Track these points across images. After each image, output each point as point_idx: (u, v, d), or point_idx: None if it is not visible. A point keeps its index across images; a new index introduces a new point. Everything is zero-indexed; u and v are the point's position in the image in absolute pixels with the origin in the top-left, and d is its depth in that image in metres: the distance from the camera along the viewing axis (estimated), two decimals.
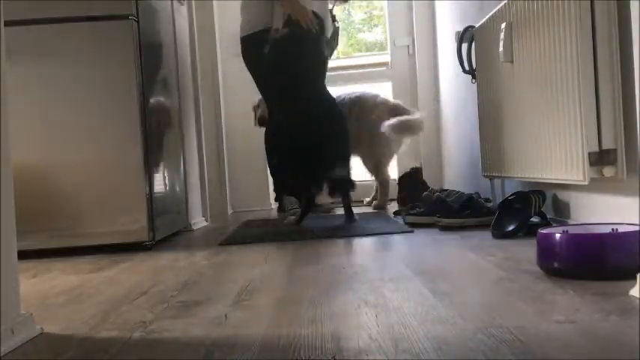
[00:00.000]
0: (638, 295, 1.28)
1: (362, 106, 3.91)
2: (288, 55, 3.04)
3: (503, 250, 2.04)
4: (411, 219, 2.91)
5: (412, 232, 2.67)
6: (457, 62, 3.27)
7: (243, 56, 3.21)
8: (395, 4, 4.75)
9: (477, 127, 3.08)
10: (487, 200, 2.96)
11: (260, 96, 3.55)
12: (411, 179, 3.89)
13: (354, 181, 3.19)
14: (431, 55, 4.66)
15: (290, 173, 3.19)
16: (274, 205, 3.96)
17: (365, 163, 3.93)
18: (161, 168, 2.89)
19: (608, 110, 1.87)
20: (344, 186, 3.11)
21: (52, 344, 1.26)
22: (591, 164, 1.91)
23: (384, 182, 3.97)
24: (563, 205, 2.38)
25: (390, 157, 4.03)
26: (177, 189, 3.20)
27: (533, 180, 2.44)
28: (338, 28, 3.40)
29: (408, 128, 3.81)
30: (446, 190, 3.18)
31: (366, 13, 5.26)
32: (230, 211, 4.39)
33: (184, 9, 3.64)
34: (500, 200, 2.61)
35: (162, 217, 2.84)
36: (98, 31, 2.62)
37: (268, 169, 3.77)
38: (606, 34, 1.86)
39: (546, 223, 2.34)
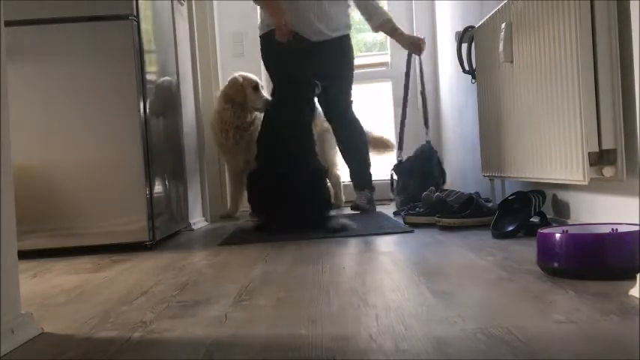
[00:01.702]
0: (638, 295, 1.28)
1: None
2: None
3: (503, 250, 2.04)
4: (411, 219, 2.91)
5: (412, 232, 2.67)
6: (457, 62, 3.27)
7: (261, 54, 3.58)
8: (395, 4, 4.74)
9: (477, 127, 3.08)
10: (487, 200, 2.96)
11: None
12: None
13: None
14: (431, 55, 4.66)
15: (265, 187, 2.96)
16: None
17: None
18: (161, 168, 2.89)
19: (608, 110, 1.87)
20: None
21: (52, 344, 1.25)
22: (591, 164, 1.91)
23: (338, 183, 4.29)
24: (563, 205, 2.38)
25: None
26: (177, 189, 3.20)
27: (533, 180, 2.44)
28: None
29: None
30: (446, 190, 3.18)
31: None
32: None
33: (184, 9, 3.64)
34: (500, 200, 2.61)
35: (162, 217, 2.84)
36: (98, 31, 2.62)
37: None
38: (606, 34, 1.86)
39: (546, 223, 2.34)
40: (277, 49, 3.33)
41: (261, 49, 3.55)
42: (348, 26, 3.61)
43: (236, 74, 3.87)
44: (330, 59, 3.51)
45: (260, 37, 3.52)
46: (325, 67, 3.43)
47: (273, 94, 3.35)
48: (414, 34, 3.93)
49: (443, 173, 3.63)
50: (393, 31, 3.65)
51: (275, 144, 3.02)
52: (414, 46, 3.67)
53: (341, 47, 3.58)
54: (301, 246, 2.43)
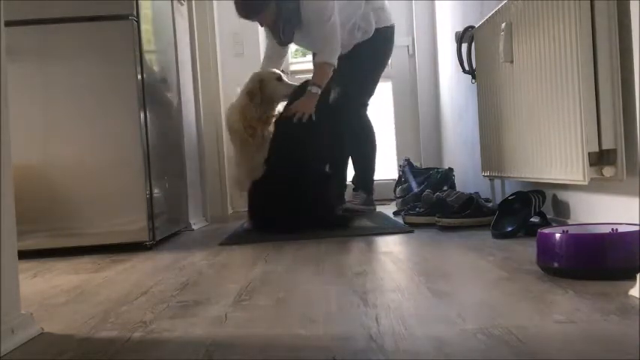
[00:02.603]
0: (638, 295, 1.28)
1: None
2: None
3: (503, 250, 2.04)
4: (410, 219, 2.91)
5: (412, 232, 2.67)
6: (457, 62, 3.27)
7: None
8: (395, 4, 4.74)
9: (477, 127, 3.08)
10: (487, 200, 2.96)
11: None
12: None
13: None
14: (431, 55, 4.66)
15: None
16: None
17: None
18: (161, 168, 2.89)
19: (608, 110, 1.87)
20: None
21: (52, 344, 1.25)
22: (591, 164, 1.91)
23: None
24: (563, 205, 2.38)
25: None
26: (177, 189, 3.20)
27: (533, 180, 2.44)
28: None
29: None
30: (446, 190, 3.18)
31: None
32: (230, 211, 4.39)
33: (184, 9, 3.64)
34: (500, 200, 2.61)
35: (162, 217, 2.84)
36: (98, 31, 2.62)
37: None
38: (606, 34, 1.86)
39: (546, 223, 2.34)
40: None
41: None
42: (367, 32, 3.50)
43: (256, 71, 3.69)
44: (341, 64, 3.40)
45: None
46: (336, 71, 3.42)
47: None
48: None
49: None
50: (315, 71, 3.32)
51: (281, 146, 3.06)
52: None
53: (355, 53, 3.48)
54: (301, 246, 2.43)
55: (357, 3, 3.44)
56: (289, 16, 3.22)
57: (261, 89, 3.48)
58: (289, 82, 3.60)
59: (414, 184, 3.54)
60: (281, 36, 3.33)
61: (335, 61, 3.25)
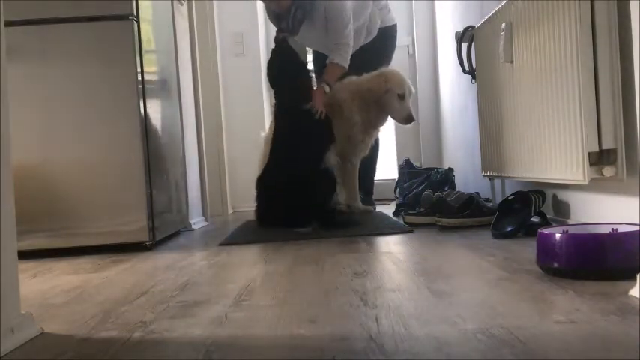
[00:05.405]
0: (638, 295, 1.28)
1: None
2: None
3: (503, 250, 2.04)
4: (410, 219, 2.91)
5: (412, 232, 2.67)
6: (457, 62, 3.27)
7: None
8: (395, 4, 4.74)
9: (477, 127, 3.08)
10: (487, 200, 2.96)
11: None
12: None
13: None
14: (431, 55, 4.66)
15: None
16: None
17: None
18: (161, 168, 2.89)
19: (608, 110, 1.87)
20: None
21: (52, 344, 1.25)
22: (591, 164, 1.91)
23: None
24: (563, 205, 2.38)
25: None
26: (177, 189, 3.20)
27: (533, 180, 2.44)
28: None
29: None
30: (446, 190, 3.18)
31: None
32: (230, 211, 4.39)
33: (184, 9, 3.64)
34: (500, 200, 2.61)
35: (162, 217, 2.84)
36: (98, 31, 2.61)
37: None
38: (606, 34, 1.86)
39: (546, 223, 2.34)
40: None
41: None
42: (370, 33, 3.57)
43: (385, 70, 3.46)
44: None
45: None
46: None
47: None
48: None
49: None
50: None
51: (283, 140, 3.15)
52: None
53: (361, 56, 3.49)
54: (301, 246, 2.43)
55: (366, 3, 3.47)
56: (303, 2, 3.31)
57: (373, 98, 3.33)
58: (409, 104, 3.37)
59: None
60: (290, 22, 3.34)
61: (347, 65, 3.33)
